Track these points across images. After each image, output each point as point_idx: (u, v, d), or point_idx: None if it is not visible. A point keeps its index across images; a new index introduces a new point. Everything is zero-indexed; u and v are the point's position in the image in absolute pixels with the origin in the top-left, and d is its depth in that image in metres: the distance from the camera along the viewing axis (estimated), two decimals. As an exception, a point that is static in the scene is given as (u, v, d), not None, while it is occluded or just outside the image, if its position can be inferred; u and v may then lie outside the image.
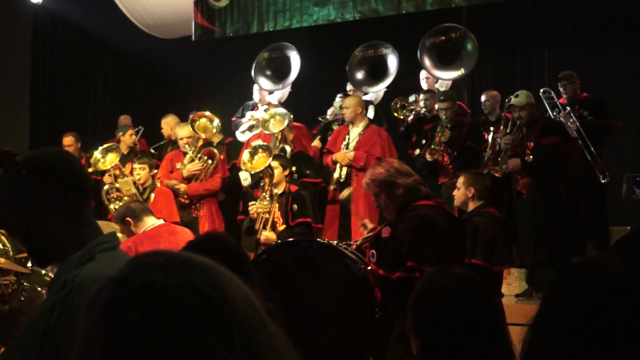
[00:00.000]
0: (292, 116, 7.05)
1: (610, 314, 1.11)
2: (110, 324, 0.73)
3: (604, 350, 1.10)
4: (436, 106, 7.06)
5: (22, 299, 4.89)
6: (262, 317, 0.79)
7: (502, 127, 6.51)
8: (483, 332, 1.88)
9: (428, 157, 6.62)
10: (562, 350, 1.13)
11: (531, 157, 6.15)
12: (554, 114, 6.62)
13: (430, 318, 1.93)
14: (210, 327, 0.72)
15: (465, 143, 6.74)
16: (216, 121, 6.89)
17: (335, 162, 6.83)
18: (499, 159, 6.31)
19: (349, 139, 6.87)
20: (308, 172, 6.75)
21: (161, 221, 4.78)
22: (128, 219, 4.65)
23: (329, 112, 7.93)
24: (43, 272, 5.47)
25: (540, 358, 1.17)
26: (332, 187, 6.83)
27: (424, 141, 6.90)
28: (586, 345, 1.11)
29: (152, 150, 8.24)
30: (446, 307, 1.90)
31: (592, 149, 6.30)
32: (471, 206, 4.68)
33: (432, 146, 6.65)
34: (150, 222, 4.67)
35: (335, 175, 6.81)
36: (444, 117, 6.77)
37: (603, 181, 6.29)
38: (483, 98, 7.28)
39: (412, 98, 7.51)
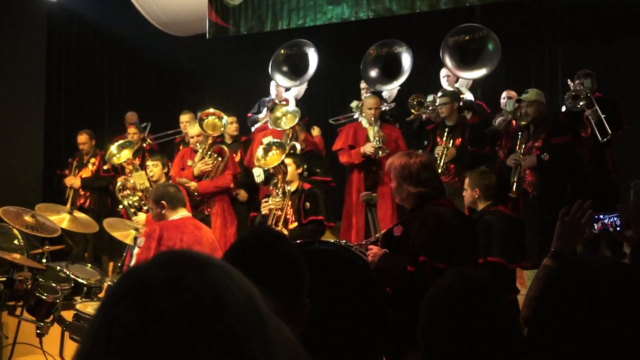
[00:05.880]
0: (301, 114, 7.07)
1: (594, 305, 1.18)
2: (104, 314, 0.76)
3: (590, 339, 1.16)
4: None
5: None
6: (262, 320, 0.79)
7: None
8: (489, 332, 1.88)
9: None
10: (555, 339, 1.20)
11: (547, 155, 6.13)
12: (569, 102, 6.54)
13: (434, 320, 1.94)
14: (194, 327, 0.73)
15: (469, 150, 6.68)
16: (225, 119, 6.85)
17: (364, 155, 6.85)
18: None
19: (372, 135, 6.91)
20: (318, 170, 6.75)
21: (189, 214, 4.85)
22: (163, 202, 4.64)
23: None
24: (58, 268, 5.54)
25: (538, 348, 1.22)
26: None
27: (425, 142, 6.92)
28: (575, 335, 1.17)
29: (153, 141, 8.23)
30: (449, 309, 1.91)
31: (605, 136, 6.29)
32: (480, 205, 4.68)
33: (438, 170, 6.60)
34: (182, 213, 4.70)
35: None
36: (441, 113, 6.82)
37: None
38: (504, 96, 7.39)
39: (430, 98, 7.51)
